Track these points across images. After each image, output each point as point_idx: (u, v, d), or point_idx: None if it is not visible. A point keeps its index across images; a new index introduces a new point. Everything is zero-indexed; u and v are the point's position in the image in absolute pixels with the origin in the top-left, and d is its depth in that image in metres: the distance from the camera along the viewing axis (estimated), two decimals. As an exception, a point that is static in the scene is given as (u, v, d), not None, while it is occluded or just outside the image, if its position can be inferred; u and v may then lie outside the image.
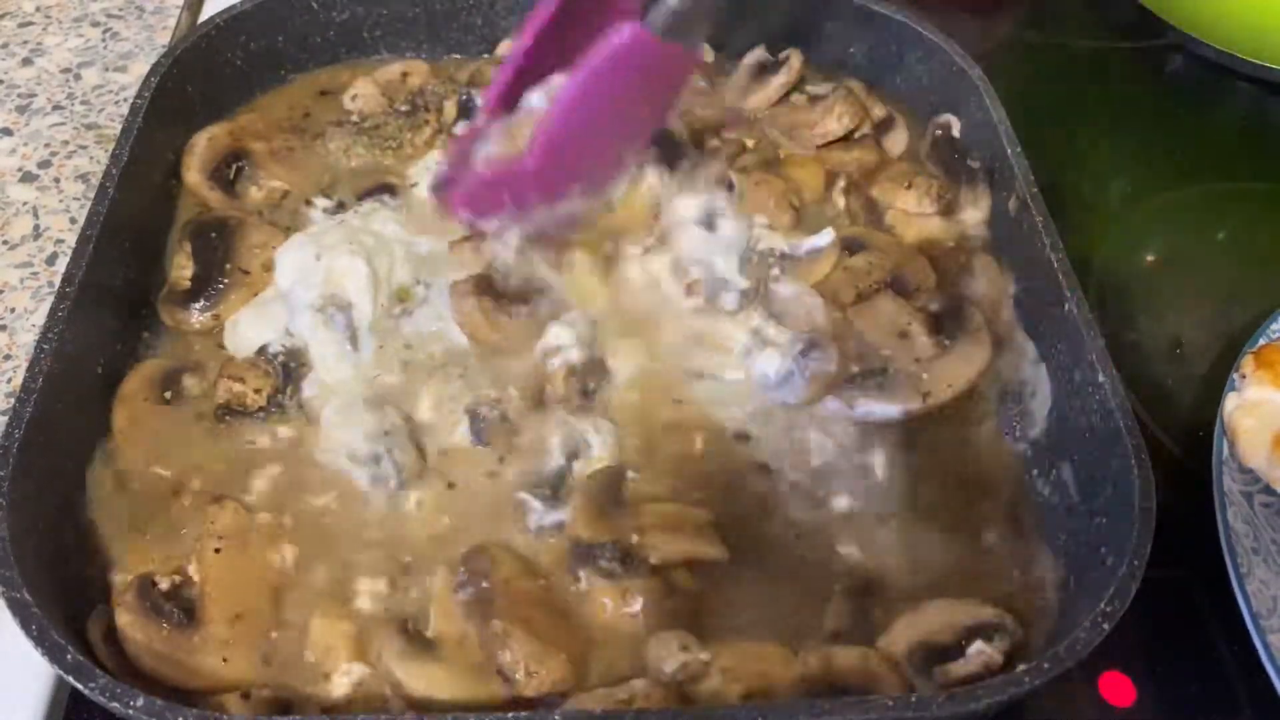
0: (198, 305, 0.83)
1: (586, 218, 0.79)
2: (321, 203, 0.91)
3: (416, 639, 0.67)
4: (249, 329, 0.82)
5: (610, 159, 0.78)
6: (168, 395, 0.78)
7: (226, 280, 0.84)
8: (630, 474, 0.75)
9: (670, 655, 0.66)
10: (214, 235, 0.86)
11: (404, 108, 0.99)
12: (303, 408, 0.78)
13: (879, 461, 0.78)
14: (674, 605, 0.70)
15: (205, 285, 0.84)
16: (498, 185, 0.75)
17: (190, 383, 0.80)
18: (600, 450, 0.76)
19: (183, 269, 0.85)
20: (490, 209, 0.76)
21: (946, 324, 0.84)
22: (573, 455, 0.76)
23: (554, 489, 0.74)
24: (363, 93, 1.00)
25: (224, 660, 0.66)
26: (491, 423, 0.77)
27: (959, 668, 0.65)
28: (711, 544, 0.72)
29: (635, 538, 0.71)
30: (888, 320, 0.84)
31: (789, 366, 0.80)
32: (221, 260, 0.85)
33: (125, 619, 0.65)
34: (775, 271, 0.86)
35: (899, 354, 0.82)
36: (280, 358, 0.80)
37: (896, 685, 0.66)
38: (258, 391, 0.78)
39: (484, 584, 0.68)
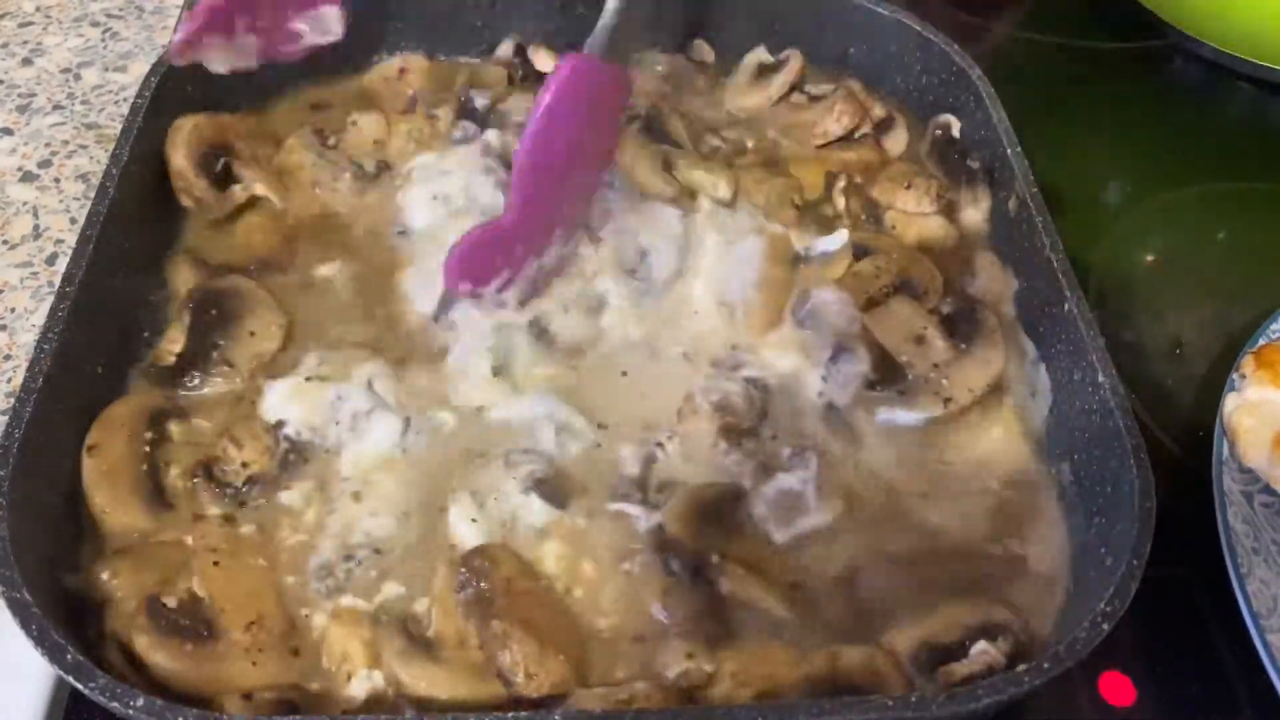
0: (168, 390, 0.78)
1: (569, 258, 0.84)
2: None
3: (418, 639, 0.67)
4: (277, 400, 0.77)
5: (578, 192, 0.82)
6: (149, 436, 0.74)
7: (209, 373, 0.79)
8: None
9: (675, 662, 0.66)
10: (214, 312, 0.81)
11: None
12: (261, 513, 0.73)
13: (889, 462, 0.78)
14: (698, 618, 0.69)
15: (182, 373, 0.79)
16: (485, 249, 0.78)
17: (175, 430, 0.76)
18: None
19: (173, 342, 0.80)
20: (485, 274, 0.79)
21: (961, 327, 0.83)
22: (650, 460, 0.76)
23: (641, 489, 0.75)
24: (363, 124, 0.97)
25: (253, 664, 0.66)
26: (555, 486, 0.75)
27: (962, 668, 0.65)
28: (784, 605, 0.70)
29: (715, 558, 0.70)
30: (904, 325, 0.83)
31: (819, 373, 0.80)
32: (210, 348, 0.79)
33: (144, 641, 0.65)
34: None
35: (917, 359, 0.82)
36: (286, 443, 0.75)
37: (901, 684, 0.66)
38: (245, 466, 0.74)
39: (483, 584, 0.68)
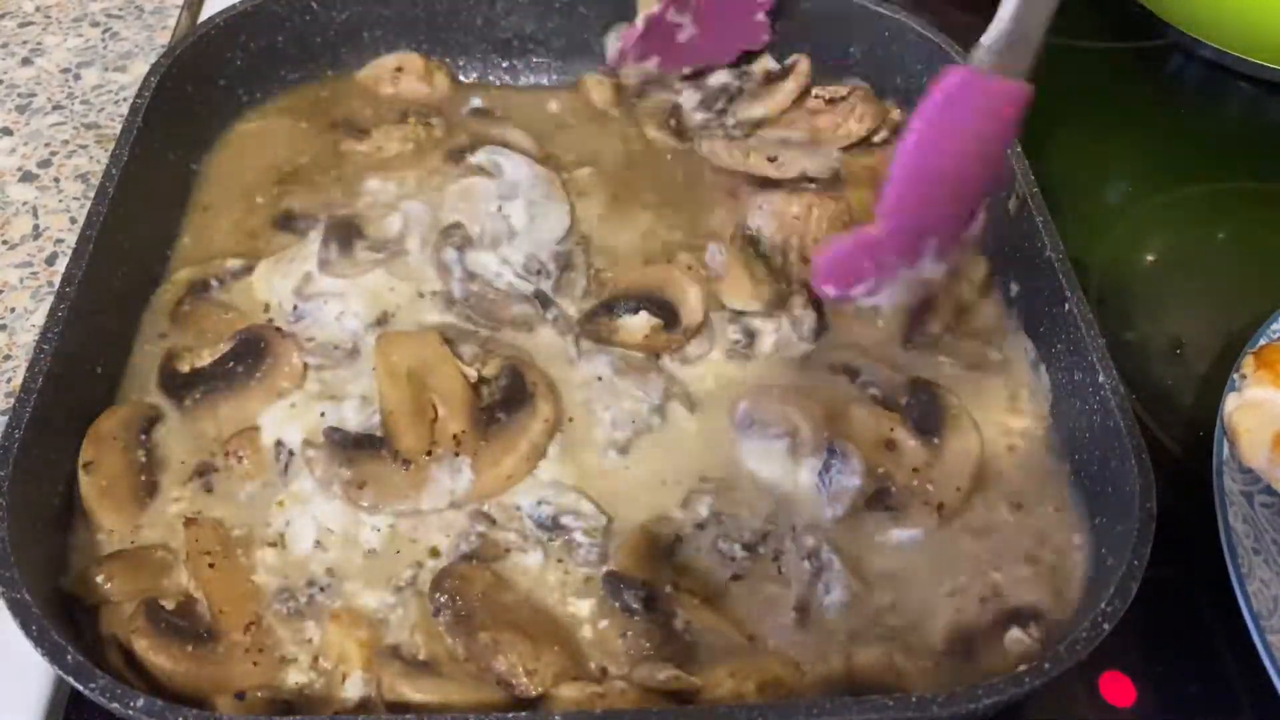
0: (183, 399, 0.78)
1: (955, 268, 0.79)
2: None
3: (412, 661, 0.66)
4: (272, 421, 0.77)
5: (957, 207, 0.77)
6: (141, 443, 0.75)
7: (213, 399, 0.78)
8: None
9: (660, 671, 0.65)
10: (246, 360, 0.79)
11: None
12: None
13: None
14: (662, 647, 0.68)
15: (190, 386, 0.78)
16: (855, 255, 0.74)
17: (163, 431, 0.76)
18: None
19: (199, 357, 0.80)
20: (853, 279, 0.75)
21: (926, 418, 0.78)
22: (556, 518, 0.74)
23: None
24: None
25: (254, 665, 0.66)
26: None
27: (997, 658, 0.66)
28: (738, 626, 0.69)
29: (669, 589, 0.69)
30: (870, 432, 0.77)
31: (812, 480, 0.75)
32: (226, 380, 0.78)
33: (144, 644, 0.65)
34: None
35: (894, 469, 0.76)
36: (285, 457, 0.75)
37: (921, 683, 0.65)
38: (244, 479, 0.74)
39: (459, 602, 0.67)
